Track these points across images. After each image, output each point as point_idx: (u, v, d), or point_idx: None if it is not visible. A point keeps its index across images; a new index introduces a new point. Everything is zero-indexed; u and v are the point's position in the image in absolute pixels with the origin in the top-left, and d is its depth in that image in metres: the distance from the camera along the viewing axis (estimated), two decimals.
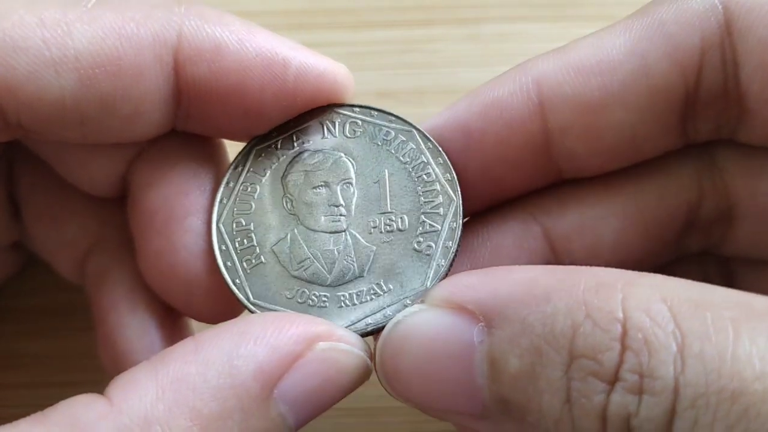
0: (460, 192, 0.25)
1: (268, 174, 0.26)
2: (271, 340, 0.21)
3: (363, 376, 0.23)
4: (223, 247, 0.26)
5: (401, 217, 0.25)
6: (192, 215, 0.26)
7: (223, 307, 0.26)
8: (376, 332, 0.24)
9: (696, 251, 0.29)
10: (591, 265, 0.25)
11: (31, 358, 0.33)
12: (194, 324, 0.30)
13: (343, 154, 0.26)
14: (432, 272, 0.25)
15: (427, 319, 0.22)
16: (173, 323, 0.28)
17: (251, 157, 0.26)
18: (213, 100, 0.25)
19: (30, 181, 0.29)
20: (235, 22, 0.25)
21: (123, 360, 0.27)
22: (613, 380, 0.19)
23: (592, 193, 0.27)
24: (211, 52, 0.24)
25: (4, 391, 0.32)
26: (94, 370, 0.30)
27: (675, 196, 0.27)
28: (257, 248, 0.26)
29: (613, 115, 0.25)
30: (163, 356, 0.21)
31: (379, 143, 0.26)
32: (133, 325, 0.27)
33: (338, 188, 0.26)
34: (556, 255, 0.27)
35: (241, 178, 0.26)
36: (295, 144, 0.26)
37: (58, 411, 0.20)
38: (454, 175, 0.26)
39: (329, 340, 0.22)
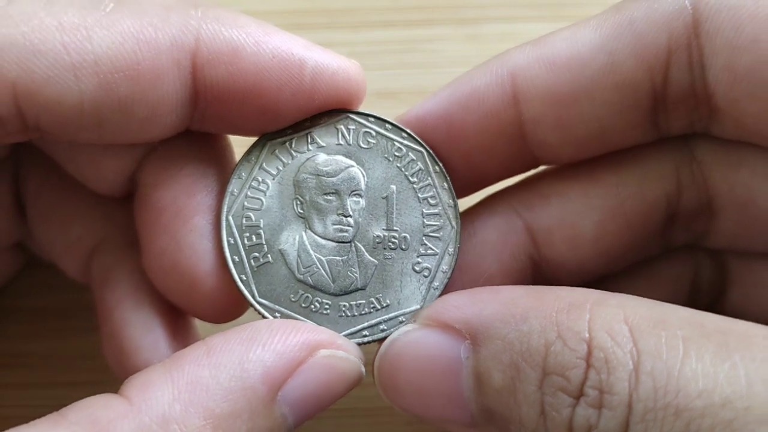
0: (459, 221, 0.27)
1: (280, 172, 0.26)
2: (278, 347, 0.23)
3: (356, 382, 0.24)
4: (231, 241, 0.26)
5: (404, 236, 0.26)
6: (198, 215, 0.26)
7: (226, 306, 0.26)
8: (372, 343, 0.26)
9: (682, 244, 0.29)
10: (573, 258, 0.27)
11: (33, 358, 0.33)
12: (198, 322, 0.30)
13: (355, 165, 0.27)
14: (428, 294, 0.26)
15: (418, 337, 0.24)
16: (177, 321, 0.28)
17: (265, 151, 0.27)
18: (230, 102, 0.25)
19: (37, 182, 0.29)
20: (251, 24, 0.25)
21: (127, 357, 0.27)
22: (578, 395, 0.21)
23: (574, 186, 0.27)
24: (229, 55, 0.24)
25: (6, 391, 0.32)
26: (96, 370, 0.30)
27: (654, 189, 0.27)
28: (265, 246, 0.26)
29: (582, 109, 0.25)
30: (177, 359, 0.22)
31: (390, 159, 0.27)
32: (137, 322, 0.27)
33: (348, 199, 0.26)
34: (538, 249, 0.27)
35: (254, 173, 0.26)
36: (310, 146, 0.27)
37: (77, 410, 0.21)
38: (456, 201, 0.27)
39: (330, 348, 0.24)
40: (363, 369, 0.25)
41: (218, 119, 0.26)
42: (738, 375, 0.19)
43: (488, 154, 0.27)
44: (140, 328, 0.27)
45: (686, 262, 0.30)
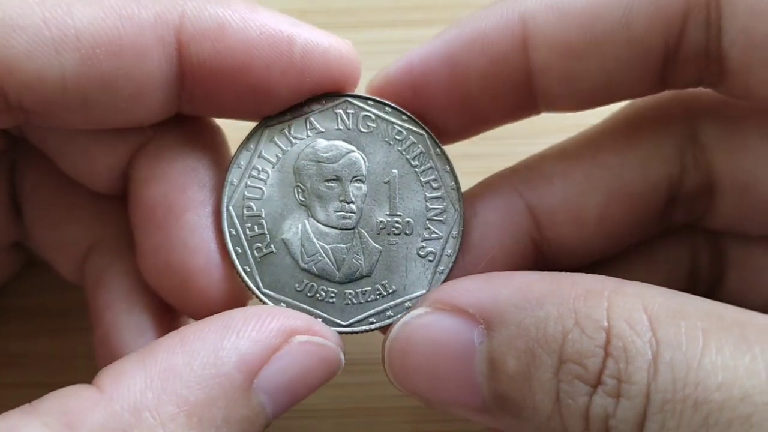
0: (462, 203, 0.26)
1: (280, 159, 0.26)
2: (252, 334, 0.23)
3: (335, 369, 0.24)
4: (233, 232, 0.26)
5: (407, 221, 0.26)
6: (190, 210, 0.26)
7: (220, 303, 0.26)
8: (379, 329, 0.25)
9: (681, 224, 0.29)
10: (575, 239, 0.27)
11: (33, 358, 0.33)
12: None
13: (356, 150, 0.26)
14: (433, 278, 0.26)
15: (431, 321, 0.23)
16: (170, 324, 0.28)
17: (263, 138, 0.26)
18: (218, 80, 0.25)
19: (32, 182, 0.29)
20: (238, 1, 0.25)
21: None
22: (596, 384, 0.20)
23: (577, 167, 0.27)
24: (214, 32, 0.24)
25: (6, 391, 0.32)
26: (94, 371, 0.30)
27: (657, 171, 0.27)
28: (268, 236, 0.26)
29: (591, 62, 0.25)
30: (151, 348, 0.22)
31: (391, 143, 0.26)
32: (129, 325, 0.27)
33: (350, 185, 0.26)
34: (540, 230, 0.27)
35: (253, 161, 0.26)
36: (309, 131, 0.26)
37: (48, 401, 0.21)
38: (459, 184, 0.26)
39: (306, 334, 0.23)
40: (342, 356, 0.24)
41: (208, 100, 0.25)
42: (758, 369, 0.19)
43: (490, 100, 0.26)
44: (132, 331, 0.27)
45: (685, 245, 0.30)
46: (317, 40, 0.25)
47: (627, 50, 0.25)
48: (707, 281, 0.30)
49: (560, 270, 0.28)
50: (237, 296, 0.26)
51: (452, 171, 0.26)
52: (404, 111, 0.26)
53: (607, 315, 0.21)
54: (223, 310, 0.26)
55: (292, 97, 0.26)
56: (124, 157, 0.27)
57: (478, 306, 0.23)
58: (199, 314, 0.27)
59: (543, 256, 0.28)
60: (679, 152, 0.27)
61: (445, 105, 0.26)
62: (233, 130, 0.28)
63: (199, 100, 0.25)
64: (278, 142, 0.26)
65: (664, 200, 0.28)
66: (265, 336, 0.23)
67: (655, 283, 0.29)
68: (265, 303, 0.25)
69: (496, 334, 0.22)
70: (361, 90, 0.27)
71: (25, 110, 0.23)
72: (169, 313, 0.28)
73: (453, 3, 0.39)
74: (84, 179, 0.28)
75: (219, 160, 0.27)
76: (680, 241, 0.30)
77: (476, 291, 0.23)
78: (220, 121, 0.28)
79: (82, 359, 0.32)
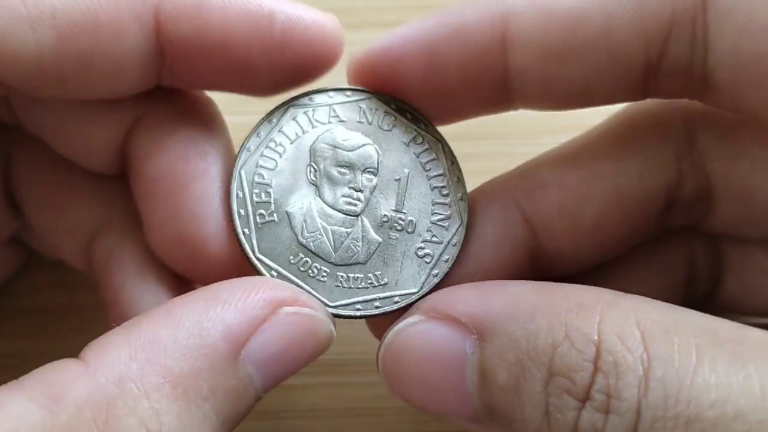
0: (467, 215, 0.27)
1: (299, 138, 0.27)
2: (239, 304, 0.22)
3: (326, 341, 0.24)
4: (240, 194, 0.26)
5: (411, 220, 0.26)
6: (195, 181, 0.26)
7: (232, 270, 0.26)
8: (363, 318, 0.26)
9: (679, 227, 0.29)
10: (572, 248, 0.27)
11: (32, 358, 0.33)
12: None
13: (372, 144, 0.27)
14: (427, 279, 0.26)
15: (424, 329, 0.23)
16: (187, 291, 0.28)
17: (286, 116, 0.27)
18: (198, 57, 0.25)
19: (29, 171, 0.29)
20: None
21: None
22: (585, 398, 0.20)
23: (573, 175, 0.27)
24: (193, 9, 0.24)
25: None
26: None
27: (654, 179, 0.27)
28: (272, 205, 0.26)
29: (570, 68, 0.25)
30: (137, 321, 0.22)
31: (408, 145, 0.27)
32: (146, 300, 0.27)
33: (361, 174, 0.26)
34: (537, 240, 0.27)
35: (272, 134, 0.26)
36: (331, 118, 0.27)
37: (34, 376, 0.21)
38: (466, 195, 0.27)
39: (294, 305, 0.23)
40: (333, 328, 0.24)
41: (188, 75, 0.25)
42: (752, 386, 0.19)
43: (466, 92, 0.26)
44: (150, 305, 0.27)
45: (683, 247, 0.30)
46: (298, 16, 0.25)
47: (606, 58, 0.24)
48: (706, 283, 0.30)
49: (556, 278, 0.28)
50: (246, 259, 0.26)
51: (462, 182, 0.27)
52: (424, 119, 0.27)
53: (598, 329, 0.20)
54: (236, 276, 0.26)
55: (273, 73, 0.25)
56: (120, 132, 0.27)
57: (471, 316, 0.23)
58: (213, 281, 0.27)
59: (540, 264, 0.28)
60: (677, 159, 0.27)
61: (421, 91, 0.26)
62: (233, 131, 0.28)
63: (180, 75, 0.25)
64: (300, 121, 0.27)
65: (662, 207, 0.28)
66: (251, 307, 0.22)
67: (653, 286, 0.30)
68: (256, 268, 0.25)
69: (487, 345, 0.22)
70: (343, 65, 0.27)
71: (4, 84, 0.23)
72: (185, 283, 0.28)
73: (453, 3, 0.39)
74: (81, 160, 0.28)
75: (216, 130, 0.27)
76: (678, 243, 0.30)
77: (469, 300, 0.23)
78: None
79: None
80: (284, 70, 0.25)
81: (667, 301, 0.30)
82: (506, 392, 0.22)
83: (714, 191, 0.27)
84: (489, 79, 0.26)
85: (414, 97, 0.27)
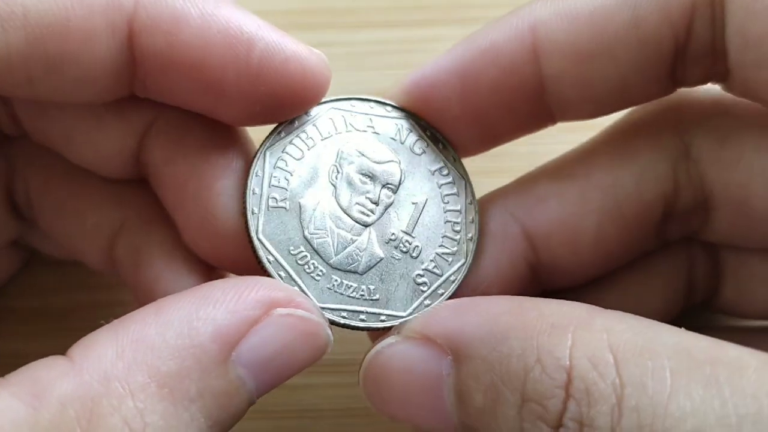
0: (473, 255, 0.27)
1: (331, 136, 0.27)
2: (230, 305, 0.22)
3: (322, 345, 0.24)
4: (259, 173, 0.26)
5: (417, 245, 0.26)
6: (221, 178, 0.26)
7: None
8: (345, 327, 0.25)
9: (677, 238, 0.29)
10: (571, 261, 0.27)
11: (33, 358, 0.33)
12: None
13: (399, 162, 0.27)
14: (418, 306, 0.26)
15: (401, 350, 0.23)
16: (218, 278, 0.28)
17: (324, 114, 0.27)
18: (170, 73, 0.24)
19: (41, 179, 0.29)
20: None
21: None
22: (557, 425, 0.20)
23: (570, 188, 0.27)
24: (169, 24, 0.23)
25: None
26: None
27: (651, 189, 0.27)
28: (287, 192, 0.26)
29: (604, 65, 0.25)
30: (125, 319, 0.22)
31: (433, 174, 0.27)
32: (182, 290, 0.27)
33: (381, 188, 0.26)
34: (536, 254, 0.27)
35: (306, 126, 0.27)
36: (367, 127, 0.27)
37: (20, 373, 0.21)
38: (477, 236, 0.27)
39: (288, 306, 0.23)
40: (329, 332, 0.24)
41: (160, 90, 0.25)
42: (728, 414, 0.18)
43: (504, 112, 0.26)
44: None
45: (682, 255, 0.30)
46: (279, 48, 0.24)
47: (638, 50, 0.25)
48: (704, 290, 0.30)
49: (556, 291, 0.29)
50: None
51: (476, 223, 0.27)
52: (455, 153, 0.27)
53: (570, 353, 0.20)
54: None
55: (245, 101, 0.25)
56: (133, 140, 0.27)
57: (446, 337, 0.22)
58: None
59: (539, 278, 0.28)
60: (673, 169, 0.27)
61: (458, 118, 0.26)
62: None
63: (152, 89, 0.25)
64: (335, 122, 0.27)
65: (660, 218, 0.28)
66: (242, 307, 0.22)
67: (653, 294, 0.30)
68: (254, 248, 0.25)
69: (462, 367, 0.22)
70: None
71: None
72: (214, 270, 0.28)
73: (453, 3, 0.39)
74: (96, 168, 0.28)
75: (229, 126, 0.27)
76: (677, 252, 0.30)
77: (445, 321, 0.23)
78: None
79: None
80: (258, 100, 0.25)
81: (667, 308, 0.30)
82: (483, 414, 0.21)
83: (711, 200, 0.27)
84: (525, 93, 0.26)
85: (452, 125, 0.27)
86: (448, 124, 0.27)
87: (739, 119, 0.27)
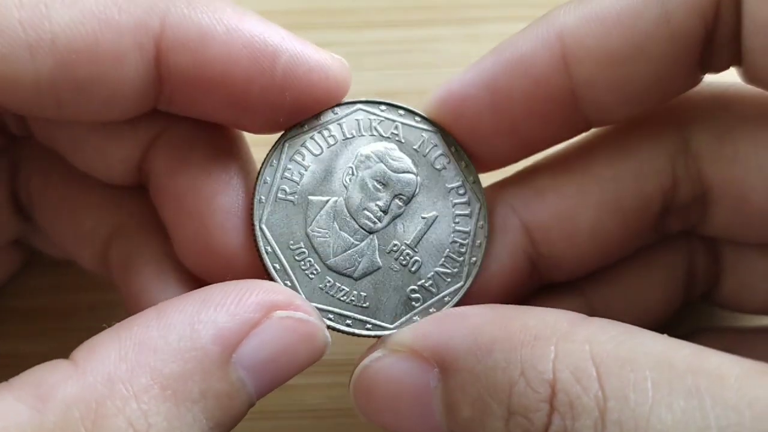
0: (472, 280, 0.26)
1: (354, 137, 0.27)
2: (231, 307, 0.22)
3: (320, 347, 0.24)
4: (273, 163, 0.26)
5: (417, 260, 0.26)
6: (220, 194, 0.26)
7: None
8: (330, 329, 0.25)
9: (676, 232, 0.29)
10: (570, 254, 0.27)
11: (33, 358, 0.33)
12: None
13: (418, 176, 0.27)
14: (405, 321, 0.26)
15: (388, 364, 0.24)
16: None
17: (351, 115, 0.27)
18: (196, 89, 0.24)
19: (42, 178, 0.29)
20: (227, 8, 0.24)
21: None
22: None
23: (569, 181, 0.27)
24: (196, 42, 0.23)
25: None
26: None
27: (650, 184, 0.27)
28: (298, 187, 0.26)
29: (637, 66, 0.25)
30: (127, 322, 0.22)
31: (449, 192, 0.27)
32: None
33: (393, 197, 0.26)
34: (535, 246, 0.27)
35: (330, 125, 0.26)
36: (392, 134, 0.27)
37: (24, 376, 0.21)
38: (480, 261, 0.27)
39: (287, 309, 0.23)
40: (328, 334, 0.24)
41: (186, 104, 0.25)
42: (709, 426, 0.18)
43: (537, 122, 0.26)
44: None
45: (681, 250, 0.30)
46: (303, 58, 0.24)
47: (670, 45, 0.24)
48: (704, 285, 0.30)
49: (556, 284, 0.29)
50: None
51: (483, 247, 0.27)
52: (476, 174, 0.27)
53: (553, 366, 0.20)
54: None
55: (269, 112, 0.25)
56: (138, 150, 0.27)
57: (432, 350, 0.23)
58: None
59: (538, 270, 0.28)
60: (672, 163, 0.27)
61: (490, 131, 0.26)
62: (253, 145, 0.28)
63: (177, 104, 0.25)
64: (361, 124, 0.27)
65: (658, 211, 0.28)
66: (243, 310, 0.22)
67: (653, 289, 0.30)
68: (255, 236, 0.25)
69: (450, 380, 0.22)
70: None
71: (1, 105, 0.23)
72: (205, 285, 0.28)
73: (453, 3, 0.39)
74: (99, 174, 0.28)
75: (234, 140, 0.27)
76: (676, 246, 0.30)
77: (431, 334, 0.23)
78: None
79: None
80: (282, 110, 0.25)
81: (668, 301, 0.30)
82: (472, 425, 0.22)
83: (710, 194, 0.27)
84: (557, 102, 0.25)
85: (483, 140, 0.27)
86: (480, 137, 0.27)
87: (739, 115, 0.27)
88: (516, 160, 0.28)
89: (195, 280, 0.28)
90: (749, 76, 0.26)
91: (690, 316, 0.32)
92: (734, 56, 0.25)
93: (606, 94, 0.25)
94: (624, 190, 0.27)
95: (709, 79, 0.27)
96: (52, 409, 0.20)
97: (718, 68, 0.26)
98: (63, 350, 0.33)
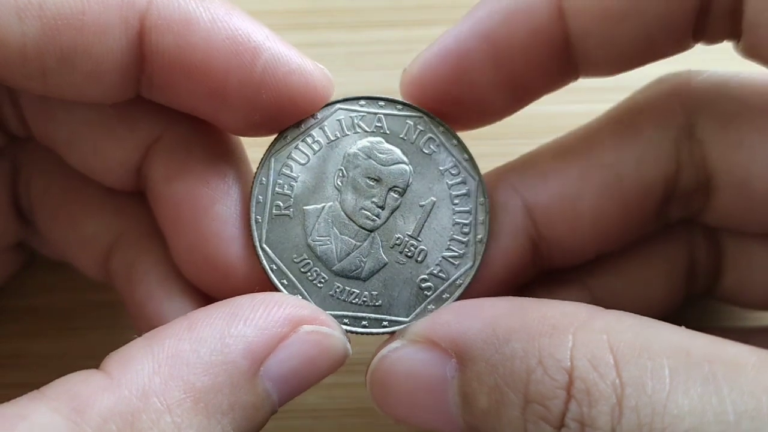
0: (481, 258, 0.26)
1: (337, 139, 0.26)
2: (259, 322, 0.23)
3: (341, 360, 0.24)
4: (264, 180, 0.26)
5: (423, 249, 0.26)
6: (217, 202, 0.26)
7: (260, 290, 0.26)
8: (349, 333, 0.25)
9: (677, 219, 0.29)
10: (571, 238, 0.27)
11: (33, 358, 0.33)
12: None
13: (409, 164, 0.26)
14: (421, 312, 0.26)
15: (406, 354, 0.24)
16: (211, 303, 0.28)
17: (332, 116, 0.26)
18: (176, 74, 0.24)
19: (43, 184, 0.29)
20: (215, 1, 0.24)
21: None
22: (560, 426, 0.20)
23: (572, 165, 0.27)
24: (180, 24, 0.24)
25: (6, 391, 0.32)
26: None
27: (653, 168, 0.27)
28: (291, 200, 0.26)
29: (630, 24, 0.25)
30: (158, 333, 0.22)
31: (444, 174, 0.27)
32: (172, 314, 0.27)
33: (388, 191, 0.26)
34: (537, 228, 0.27)
35: (312, 129, 0.26)
36: (375, 126, 0.26)
37: (57, 386, 0.21)
38: (486, 238, 0.26)
39: (313, 323, 0.24)
40: (349, 347, 0.24)
41: (166, 91, 0.25)
42: (726, 411, 0.18)
43: (534, 72, 0.26)
44: (177, 317, 0.27)
45: (683, 241, 0.30)
46: (284, 60, 0.25)
47: (665, 8, 0.24)
48: (706, 278, 0.30)
49: (558, 270, 0.29)
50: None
51: (486, 224, 0.26)
52: (468, 151, 0.27)
53: (571, 354, 0.20)
54: None
55: (246, 109, 0.25)
56: (136, 153, 0.27)
57: (450, 340, 0.23)
58: None
59: (540, 254, 0.28)
60: (676, 149, 0.27)
61: (491, 84, 0.26)
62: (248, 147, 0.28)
63: (158, 89, 0.25)
64: (344, 123, 0.26)
65: (661, 198, 0.28)
66: (272, 325, 0.23)
67: (655, 281, 0.30)
68: (259, 257, 0.25)
69: (467, 370, 0.22)
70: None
71: None
72: (207, 295, 0.28)
73: (453, 3, 0.39)
74: (97, 176, 0.28)
75: (232, 148, 0.27)
76: (678, 237, 0.30)
77: (448, 324, 0.23)
78: None
79: (83, 359, 0.32)
80: (259, 108, 0.25)
81: (670, 293, 0.30)
82: (487, 415, 0.22)
83: (713, 181, 0.28)
84: (553, 52, 0.25)
85: (482, 93, 0.26)
86: (479, 91, 0.26)
87: (744, 103, 0.27)
88: (512, 111, 0.28)
89: (198, 289, 0.28)
90: (749, 52, 0.25)
91: (692, 316, 0.32)
92: (730, 30, 0.25)
93: (597, 48, 0.25)
94: (626, 174, 0.27)
95: (715, 67, 0.27)
96: (89, 422, 0.20)
97: (711, 39, 0.26)
98: (63, 349, 0.33)
